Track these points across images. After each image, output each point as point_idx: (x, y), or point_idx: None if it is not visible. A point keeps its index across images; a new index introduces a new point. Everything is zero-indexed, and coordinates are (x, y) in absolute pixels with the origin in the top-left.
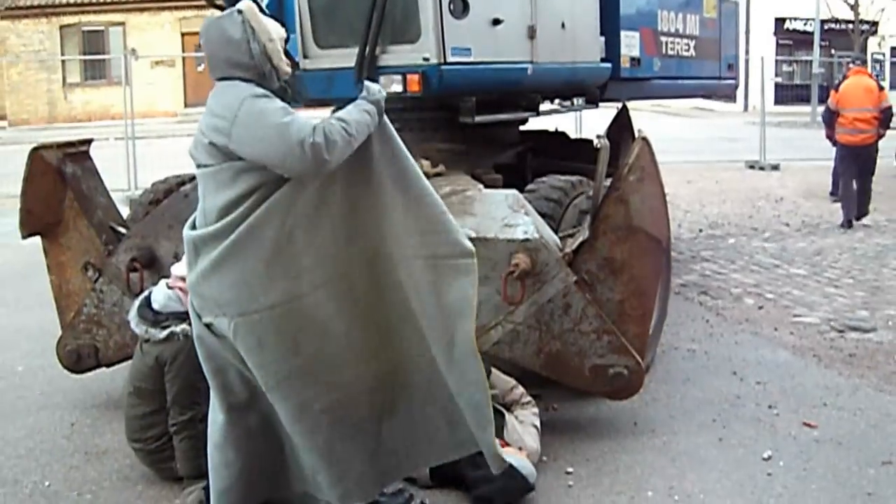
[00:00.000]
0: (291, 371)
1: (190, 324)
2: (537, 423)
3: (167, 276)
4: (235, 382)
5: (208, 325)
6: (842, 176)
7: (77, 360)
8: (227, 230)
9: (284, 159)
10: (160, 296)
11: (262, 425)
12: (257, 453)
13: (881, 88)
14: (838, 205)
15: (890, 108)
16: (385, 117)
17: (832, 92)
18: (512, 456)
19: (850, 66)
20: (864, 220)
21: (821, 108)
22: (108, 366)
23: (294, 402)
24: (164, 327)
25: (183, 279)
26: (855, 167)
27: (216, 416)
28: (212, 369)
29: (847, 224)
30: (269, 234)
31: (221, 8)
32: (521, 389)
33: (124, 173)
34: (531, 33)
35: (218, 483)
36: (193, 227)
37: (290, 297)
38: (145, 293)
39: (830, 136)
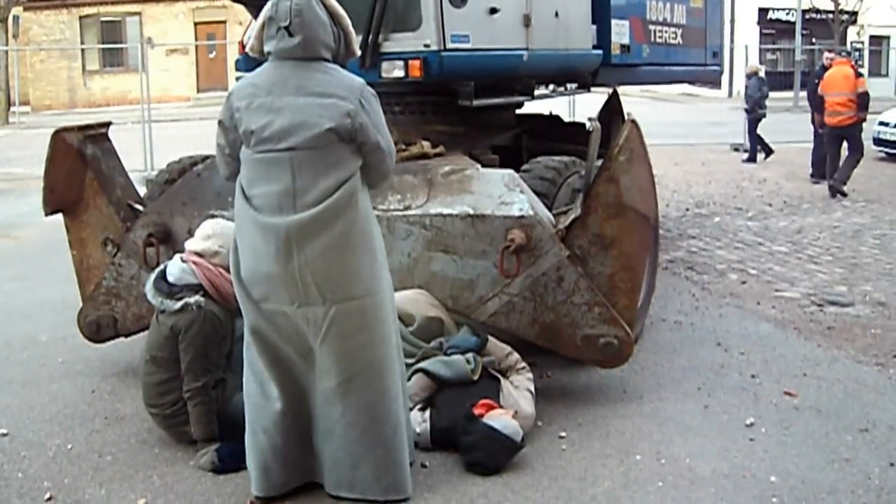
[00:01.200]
0: (381, 356)
1: (203, 295)
2: (532, 387)
3: (181, 251)
4: (294, 374)
5: (271, 316)
6: (828, 155)
7: (97, 330)
8: (335, 213)
9: (390, 153)
10: (175, 269)
11: (309, 418)
12: (302, 440)
13: (859, 76)
14: (818, 186)
15: (866, 92)
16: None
17: (819, 81)
18: (496, 419)
19: (835, 56)
20: (843, 201)
21: (802, 94)
22: (126, 336)
23: (376, 388)
24: (179, 298)
25: (197, 254)
26: (836, 146)
27: (270, 404)
28: (269, 362)
29: (835, 194)
30: (372, 224)
31: (244, 3)
32: (516, 356)
33: (141, 155)
34: (526, 21)
35: (260, 462)
36: (270, 211)
37: (381, 287)
38: (161, 267)
39: (817, 121)
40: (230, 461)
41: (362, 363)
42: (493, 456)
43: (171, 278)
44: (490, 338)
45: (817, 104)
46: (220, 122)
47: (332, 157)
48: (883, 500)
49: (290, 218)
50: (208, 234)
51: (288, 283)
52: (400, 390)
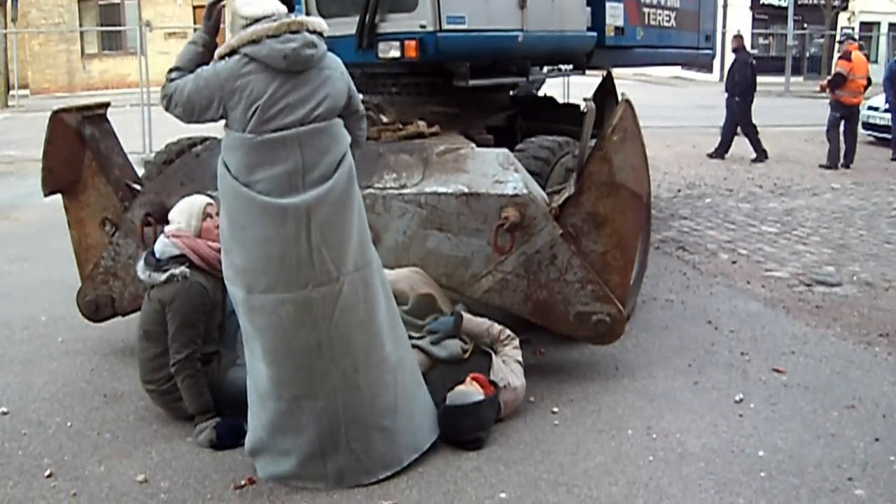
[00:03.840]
0: (381, 321)
1: (189, 266)
2: (519, 357)
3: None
4: (310, 366)
5: (276, 309)
6: (833, 129)
7: (95, 309)
8: (344, 186)
9: (365, 122)
10: (159, 245)
11: (325, 411)
12: (319, 433)
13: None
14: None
15: (870, 76)
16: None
17: (842, 61)
18: (450, 395)
19: (852, 42)
20: (833, 184)
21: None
22: (124, 315)
23: (382, 354)
24: (165, 270)
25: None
26: (846, 122)
27: (277, 405)
28: (272, 361)
29: (833, 166)
30: (360, 198)
31: None
32: (497, 327)
33: (140, 137)
34: (522, 3)
35: (289, 466)
36: (279, 193)
37: (371, 258)
38: (151, 247)
39: (836, 98)
40: (229, 438)
41: (370, 334)
42: (456, 429)
43: (157, 254)
44: (465, 314)
45: (840, 83)
46: (204, 90)
47: (333, 132)
48: (868, 474)
49: (305, 196)
50: (173, 219)
51: (303, 262)
52: (402, 355)
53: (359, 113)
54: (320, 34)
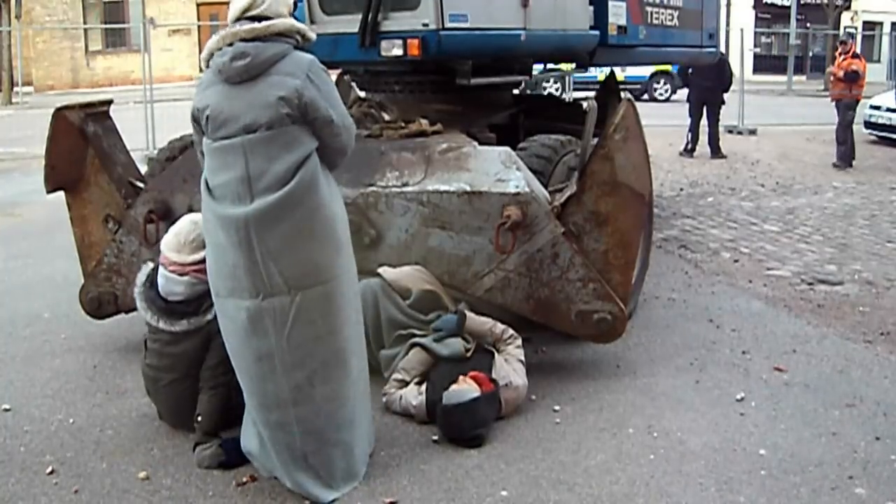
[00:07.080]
0: (346, 338)
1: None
2: (522, 356)
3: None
4: (263, 377)
5: (234, 314)
6: (848, 129)
7: (98, 306)
8: (295, 201)
9: (346, 127)
10: (175, 286)
11: (280, 423)
12: (275, 445)
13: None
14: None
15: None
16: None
17: (856, 60)
18: (445, 394)
19: (851, 41)
20: (834, 183)
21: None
22: (126, 312)
23: (343, 371)
24: (191, 313)
25: (195, 263)
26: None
27: (246, 412)
28: (241, 367)
29: (848, 166)
30: (335, 207)
31: None
32: (500, 326)
33: (143, 134)
34: (524, 2)
35: (267, 472)
36: (230, 200)
37: (343, 271)
38: (140, 289)
39: (834, 96)
40: (235, 455)
41: (330, 349)
42: (455, 427)
43: (177, 297)
44: (468, 314)
45: (855, 79)
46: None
47: (284, 139)
48: (868, 472)
49: (247, 207)
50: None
51: (252, 273)
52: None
53: (321, 119)
54: (281, 35)
